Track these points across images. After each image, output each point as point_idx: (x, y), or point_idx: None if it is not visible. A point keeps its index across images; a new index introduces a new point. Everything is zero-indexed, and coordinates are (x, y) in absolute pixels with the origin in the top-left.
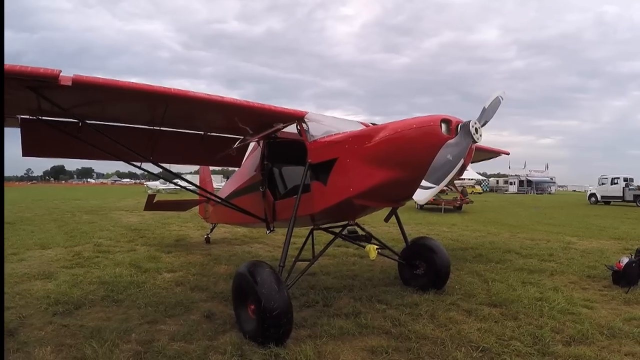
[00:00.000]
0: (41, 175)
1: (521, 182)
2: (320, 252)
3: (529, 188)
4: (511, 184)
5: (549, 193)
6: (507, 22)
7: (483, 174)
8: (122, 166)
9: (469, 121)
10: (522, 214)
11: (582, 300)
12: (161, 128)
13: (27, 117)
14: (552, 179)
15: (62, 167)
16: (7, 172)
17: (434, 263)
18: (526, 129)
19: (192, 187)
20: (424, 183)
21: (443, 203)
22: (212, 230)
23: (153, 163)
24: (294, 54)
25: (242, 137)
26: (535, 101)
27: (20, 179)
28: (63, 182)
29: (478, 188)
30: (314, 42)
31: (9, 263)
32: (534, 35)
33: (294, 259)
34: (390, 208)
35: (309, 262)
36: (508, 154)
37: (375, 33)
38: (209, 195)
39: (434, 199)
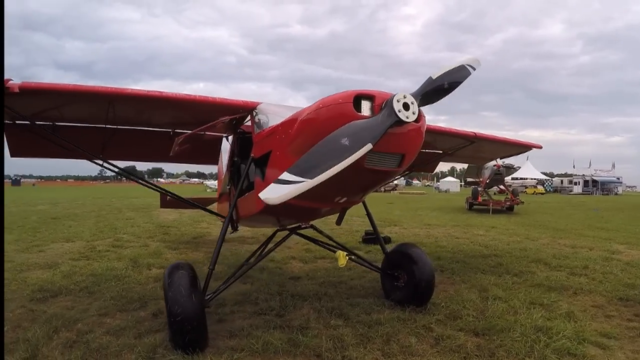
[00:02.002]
0: (114, 175)
1: (586, 182)
2: (260, 257)
3: (594, 188)
4: (576, 184)
5: (616, 194)
6: (571, 16)
7: (549, 174)
8: (191, 166)
9: (393, 95)
10: (575, 217)
11: (596, 335)
12: (107, 126)
13: (8, 121)
14: (618, 178)
15: (134, 167)
16: (83, 173)
17: (413, 275)
18: (594, 127)
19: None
20: (286, 175)
21: (491, 204)
22: None
23: (104, 161)
24: (358, 55)
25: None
26: (604, 97)
27: (94, 178)
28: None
29: (540, 188)
30: (377, 43)
31: (30, 253)
32: (599, 28)
33: (241, 264)
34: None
35: (244, 267)
36: (540, 147)
37: (438, 32)
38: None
39: (482, 199)
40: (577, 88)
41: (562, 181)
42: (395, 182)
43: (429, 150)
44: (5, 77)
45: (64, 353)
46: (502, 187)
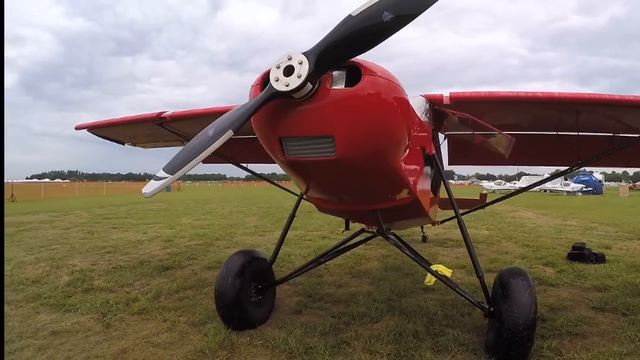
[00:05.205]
0: None
1: None
2: (321, 256)
3: None
4: None
5: None
6: None
7: None
8: (482, 169)
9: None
10: None
11: None
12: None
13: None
14: None
15: None
16: None
17: (500, 316)
18: None
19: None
20: (160, 172)
21: None
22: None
23: (233, 163)
24: None
25: None
26: None
27: None
28: None
29: None
30: None
31: (252, 236)
32: None
33: (312, 260)
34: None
35: (303, 268)
36: None
37: None
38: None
39: None
40: None
41: None
42: None
43: (621, 135)
44: (163, 110)
45: (172, 302)
46: None
